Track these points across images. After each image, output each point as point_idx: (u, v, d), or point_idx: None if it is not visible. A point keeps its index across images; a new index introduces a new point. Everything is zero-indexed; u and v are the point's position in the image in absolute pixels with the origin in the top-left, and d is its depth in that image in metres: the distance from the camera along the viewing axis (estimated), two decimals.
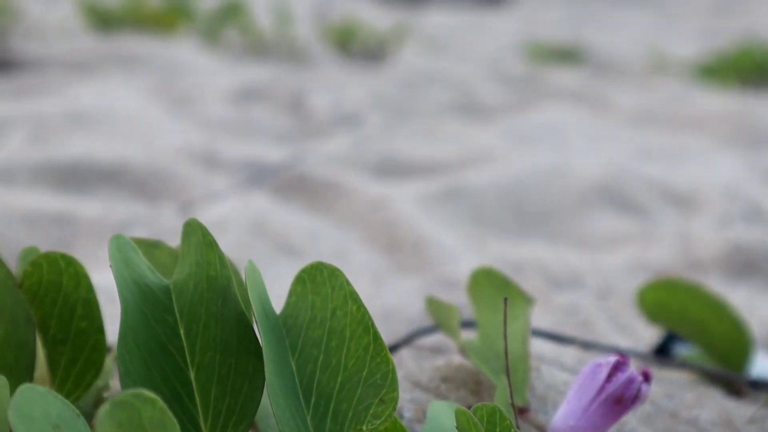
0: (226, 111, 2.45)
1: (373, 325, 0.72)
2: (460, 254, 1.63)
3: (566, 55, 4.21)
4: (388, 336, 1.29)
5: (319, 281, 0.73)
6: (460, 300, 1.43)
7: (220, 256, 0.71)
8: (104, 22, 3.35)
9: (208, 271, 0.71)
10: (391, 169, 2.15)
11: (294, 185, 1.89)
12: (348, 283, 0.72)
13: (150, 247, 0.79)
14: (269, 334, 0.70)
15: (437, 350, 1.09)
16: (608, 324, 1.44)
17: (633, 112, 3.15)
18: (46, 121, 2.14)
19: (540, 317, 1.43)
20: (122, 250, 0.71)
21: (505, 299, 0.72)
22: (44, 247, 1.49)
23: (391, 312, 1.40)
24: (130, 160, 1.84)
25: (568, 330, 1.40)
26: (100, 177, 1.80)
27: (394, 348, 1.09)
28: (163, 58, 3.02)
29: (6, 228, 1.51)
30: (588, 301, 1.51)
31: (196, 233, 0.72)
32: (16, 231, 1.51)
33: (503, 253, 1.68)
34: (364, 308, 0.72)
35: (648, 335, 1.39)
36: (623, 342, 1.35)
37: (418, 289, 1.48)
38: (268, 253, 1.55)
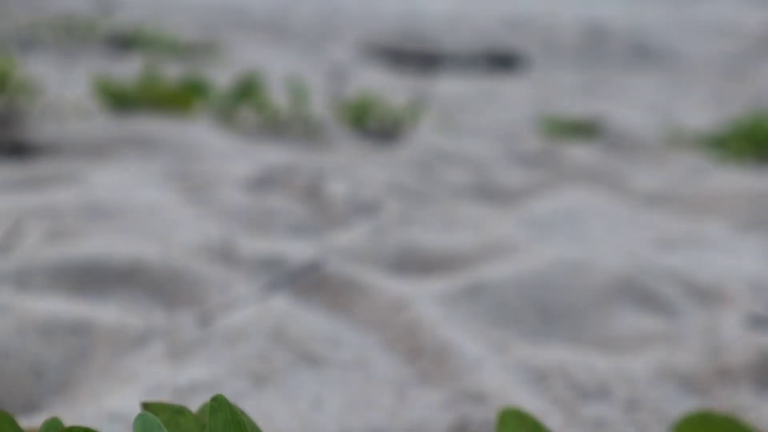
0: (243, 199, 2.43)
1: None
2: (484, 361, 1.60)
3: (581, 129, 4.20)
4: None
5: None
6: (485, 416, 1.40)
7: None
8: (119, 102, 3.35)
9: None
10: (411, 262, 2.12)
11: (314, 285, 1.86)
12: None
13: (175, 413, 0.76)
14: None
15: None
16: None
17: (650, 192, 3.13)
18: (62, 214, 2.12)
19: None
20: (147, 429, 0.68)
21: None
22: (61, 360, 1.47)
23: (416, 429, 1.37)
24: (147, 259, 1.82)
25: None
26: (117, 278, 1.77)
27: None
28: (179, 140, 3.01)
29: (22, 340, 1.48)
30: (615, 413, 1.47)
31: (224, 410, 0.69)
32: (32, 343, 1.48)
33: (526, 359, 1.65)
34: None
35: None
36: None
37: (442, 403, 1.45)
38: (289, 363, 1.53)
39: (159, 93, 3.39)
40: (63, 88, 4.59)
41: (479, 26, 10.89)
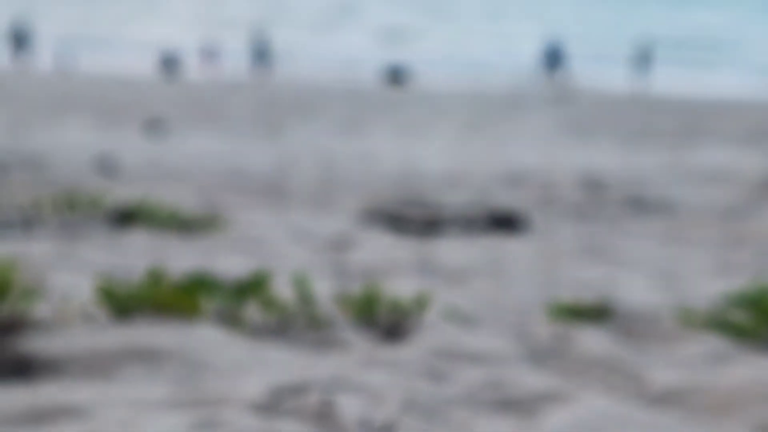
0: (252, 424, 2.36)
1: None
2: None
3: (590, 312, 4.15)
4: None
5: None
6: None
7: None
8: (124, 306, 3.31)
9: None
10: None
11: None
12: None
13: None
14: None
15: None
16: None
17: (666, 388, 3.07)
18: None
19: None
20: None
21: None
22: None
23: None
24: None
25: None
26: None
27: None
28: (185, 350, 2.96)
29: None
30: None
31: None
32: None
33: None
34: None
35: None
36: None
37: None
38: None
39: (163, 295, 3.36)
40: (65, 277, 4.55)
41: (478, 184, 10.96)
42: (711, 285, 5.51)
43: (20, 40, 33.84)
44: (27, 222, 6.49)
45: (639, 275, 5.98)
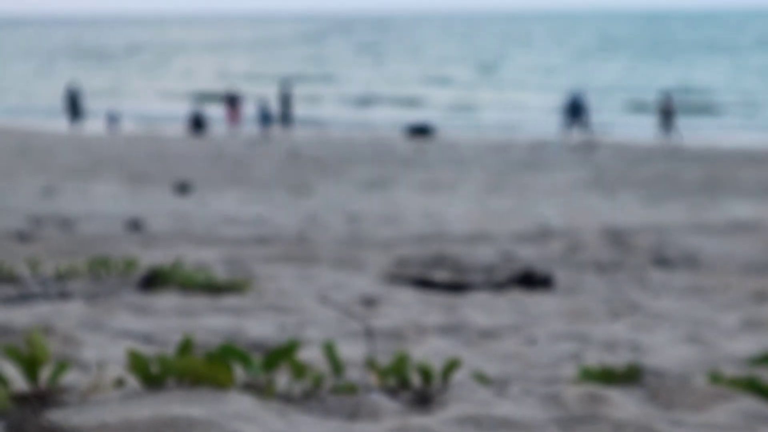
0: None
1: None
2: None
3: (619, 374, 4.16)
4: None
5: None
6: None
7: None
8: (156, 377, 3.35)
9: None
10: None
11: None
12: None
13: None
14: None
15: None
16: None
17: None
18: None
19: None
20: None
21: None
22: None
23: None
24: None
25: None
26: None
27: None
28: (217, 421, 2.99)
29: None
30: None
31: None
32: None
33: None
34: None
35: None
36: None
37: None
38: None
39: (196, 366, 3.40)
40: (98, 341, 4.60)
41: (502, 239, 10.98)
42: (738, 342, 5.50)
43: (74, 107, 35.83)
44: (59, 285, 6.56)
45: (666, 332, 5.97)
